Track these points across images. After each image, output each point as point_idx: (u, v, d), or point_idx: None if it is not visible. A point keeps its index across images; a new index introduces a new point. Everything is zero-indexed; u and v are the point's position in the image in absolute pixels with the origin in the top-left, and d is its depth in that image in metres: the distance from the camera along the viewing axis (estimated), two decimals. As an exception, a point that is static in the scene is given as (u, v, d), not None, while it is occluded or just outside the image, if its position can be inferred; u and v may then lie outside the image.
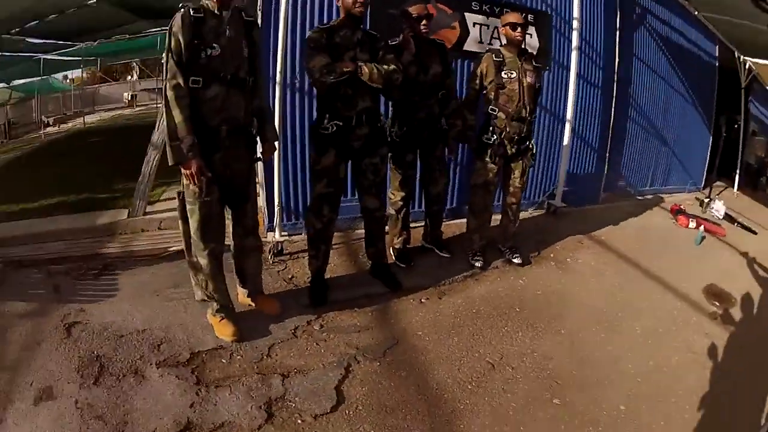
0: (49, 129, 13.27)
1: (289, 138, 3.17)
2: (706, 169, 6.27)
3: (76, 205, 4.23)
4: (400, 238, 2.98)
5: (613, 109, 4.57)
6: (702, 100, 5.93)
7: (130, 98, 16.61)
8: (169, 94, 1.86)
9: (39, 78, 12.86)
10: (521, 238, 3.37)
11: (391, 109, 2.89)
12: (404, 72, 2.46)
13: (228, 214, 2.21)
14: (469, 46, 3.69)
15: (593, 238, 3.74)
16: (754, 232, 5.12)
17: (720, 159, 6.17)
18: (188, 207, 2.02)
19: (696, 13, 5.64)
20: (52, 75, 14.36)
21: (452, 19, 3.69)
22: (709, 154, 6.25)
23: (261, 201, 3.49)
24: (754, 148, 7.96)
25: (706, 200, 5.47)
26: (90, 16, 6.84)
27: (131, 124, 11.45)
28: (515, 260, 3.10)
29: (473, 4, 3.76)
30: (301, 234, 3.14)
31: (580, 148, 4.41)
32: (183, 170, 1.92)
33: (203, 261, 2.08)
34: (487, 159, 2.88)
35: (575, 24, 4.05)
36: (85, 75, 19.23)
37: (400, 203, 2.89)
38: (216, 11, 1.97)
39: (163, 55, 1.93)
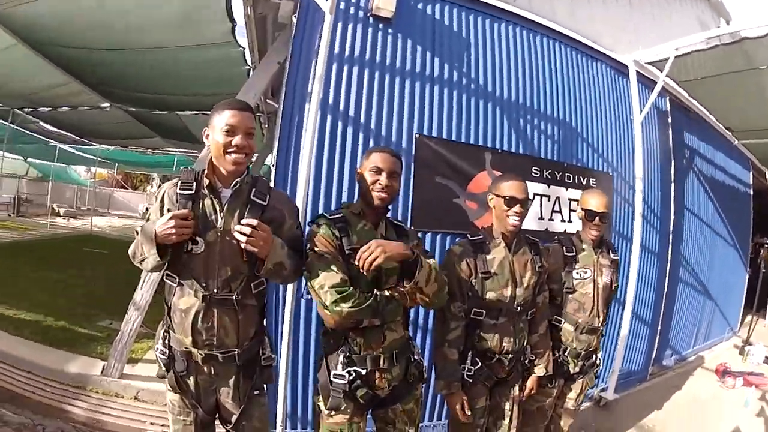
0: (58, 220, 12.90)
1: (302, 328, 2.58)
2: (742, 307, 5.95)
3: (49, 332, 3.75)
4: None
5: (667, 275, 4.13)
6: (740, 237, 5.65)
7: (144, 211, 15.26)
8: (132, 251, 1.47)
9: (56, 163, 12.37)
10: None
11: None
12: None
13: None
14: (528, 223, 3.22)
15: (649, 432, 3.39)
16: (796, 365, 4.89)
17: (758, 291, 5.89)
18: (168, 414, 1.54)
19: (736, 142, 5.45)
20: (71, 165, 13.88)
21: (511, 190, 3.26)
22: (745, 290, 5.95)
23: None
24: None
25: (746, 348, 5.23)
26: (104, 120, 6.48)
27: (139, 242, 11.26)
28: None
29: (533, 170, 3.33)
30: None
31: (636, 329, 3.81)
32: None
33: None
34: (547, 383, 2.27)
35: (638, 184, 3.59)
36: (107, 174, 18.43)
37: None
38: (205, 189, 1.41)
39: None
